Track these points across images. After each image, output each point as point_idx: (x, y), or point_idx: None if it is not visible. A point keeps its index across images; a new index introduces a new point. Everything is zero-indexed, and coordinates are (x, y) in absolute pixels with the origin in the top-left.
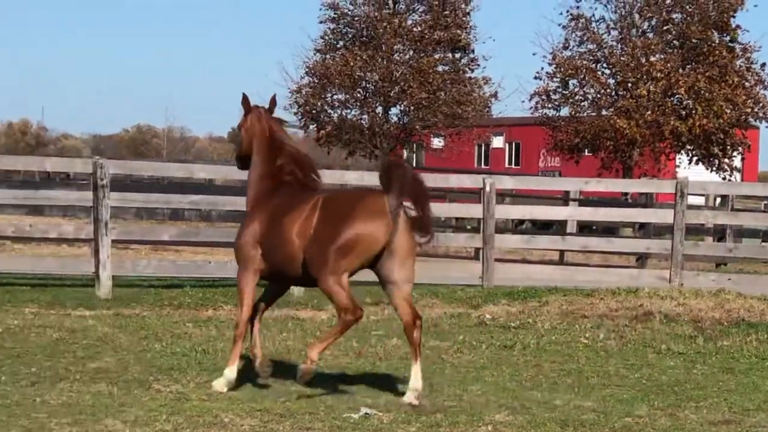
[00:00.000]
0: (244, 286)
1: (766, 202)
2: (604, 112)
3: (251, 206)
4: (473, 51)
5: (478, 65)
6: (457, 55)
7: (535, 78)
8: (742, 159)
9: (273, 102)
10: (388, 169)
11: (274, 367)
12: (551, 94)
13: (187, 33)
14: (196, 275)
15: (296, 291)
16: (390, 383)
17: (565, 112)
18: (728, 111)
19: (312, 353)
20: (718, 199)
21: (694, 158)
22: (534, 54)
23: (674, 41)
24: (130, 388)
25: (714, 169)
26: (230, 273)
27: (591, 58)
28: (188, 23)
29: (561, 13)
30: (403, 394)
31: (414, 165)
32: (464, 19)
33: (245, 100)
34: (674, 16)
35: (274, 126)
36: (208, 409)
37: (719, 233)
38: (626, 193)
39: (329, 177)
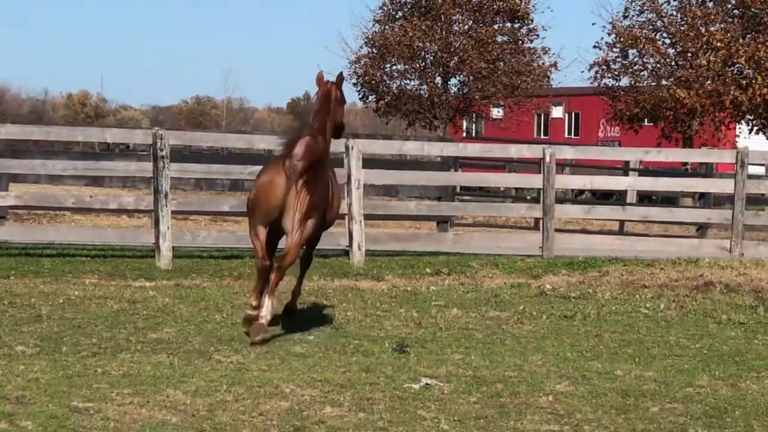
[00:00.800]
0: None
1: None
2: (663, 82)
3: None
4: (532, 21)
5: (537, 35)
6: (516, 25)
7: (595, 47)
8: None
9: (340, 78)
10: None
11: (336, 341)
12: (611, 63)
13: (246, 4)
14: (250, 245)
15: (356, 262)
16: (450, 353)
17: (624, 82)
18: None
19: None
20: None
21: (755, 128)
22: (593, 24)
23: (734, 11)
24: (190, 359)
25: None
26: None
27: (650, 27)
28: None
29: None
30: (465, 364)
31: (473, 135)
32: None
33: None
34: None
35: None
36: (268, 380)
37: None
38: (686, 163)
39: (389, 147)
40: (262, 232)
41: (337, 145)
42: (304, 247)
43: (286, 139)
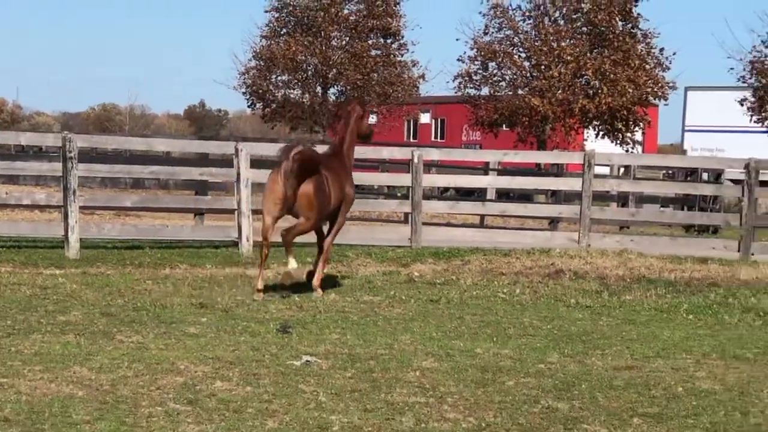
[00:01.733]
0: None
1: (664, 172)
2: (520, 92)
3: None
4: (403, 37)
5: (407, 50)
6: (389, 41)
7: (458, 60)
8: (643, 133)
9: (363, 100)
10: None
11: (226, 323)
12: (473, 75)
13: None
14: (155, 238)
15: (245, 251)
16: (328, 333)
17: (485, 91)
18: (630, 91)
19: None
20: (622, 169)
21: (600, 133)
22: (457, 39)
23: (583, 28)
24: (95, 339)
25: (618, 142)
26: (185, 236)
27: (508, 43)
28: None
29: (482, 3)
30: (341, 343)
31: None
32: (395, 8)
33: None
34: (583, 5)
35: None
36: (165, 358)
37: (623, 199)
38: (540, 164)
39: (274, 149)
40: (270, 221)
41: (227, 148)
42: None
43: (283, 148)
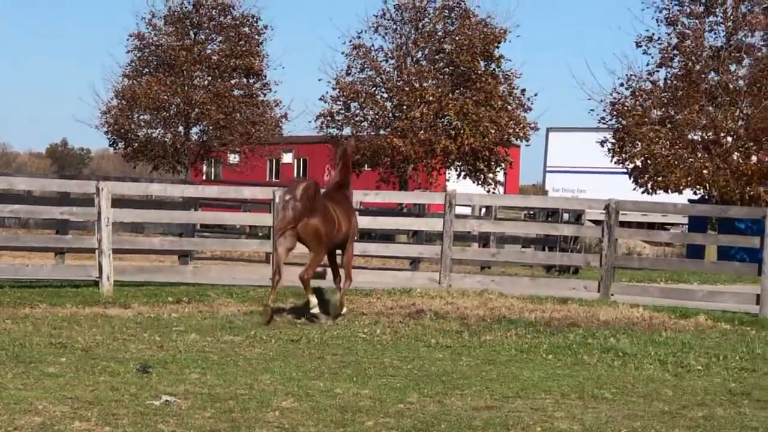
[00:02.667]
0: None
1: (525, 212)
2: (382, 132)
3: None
4: (265, 77)
5: (270, 89)
6: (251, 81)
7: (321, 100)
8: (505, 174)
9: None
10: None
11: (86, 363)
12: (335, 115)
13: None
14: (15, 277)
15: (105, 291)
16: (188, 373)
17: (347, 131)
18: (493, 131)
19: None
20: (483, 210)
21: (462, 173)
22: (320, 80)
23: (445, 69)
24: None
25: (480, 182)
26: (45, 275)
27: (371, 83)
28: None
29: (344, 43)
30: (201, 383)
31: (212, 179)
32: (257, 48)
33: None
34: (445, 46)
35: None
36: (24, 398)
37: (484, 239)
38: (402, 204)
39: (136, 188)
40: (282, 252)
41: (87, 187)
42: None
43: (290, 185)
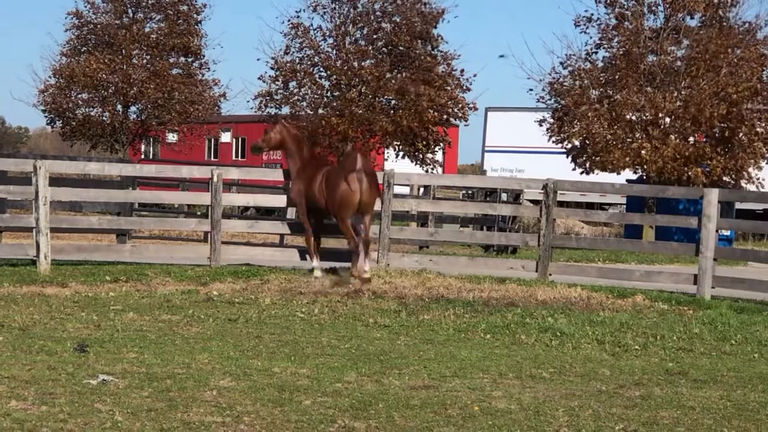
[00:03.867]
0: (304, 220)
1: (464, 192)
2: (320, 111)
3: (299, 175)
4: (204, 56)
5: (209, 68)
6: (190, 59)
7: (259, 79)
8: (444, 154)
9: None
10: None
11: (23, 342)
12: (273, 94)
13: None
14: None
15: (42, 270)
16: (126, 352)
17: (285, 110)
18: (431, 111)
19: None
20: (422, 189)
21: (401, 153)
22: (258, 59)
23: (384, 48)
24: None
25: (418, 162)
26: None
27: (309, 62)
28: None
29: (283, 22)
30: (139, 362)
31: (150, 157)
32: (196, 27)
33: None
34: (384, 26)
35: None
36: None
37: (422, 219)
38: None
39: (74, 167)
40: (349, 224)
41: (25, 165)
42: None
43: (348, 157)
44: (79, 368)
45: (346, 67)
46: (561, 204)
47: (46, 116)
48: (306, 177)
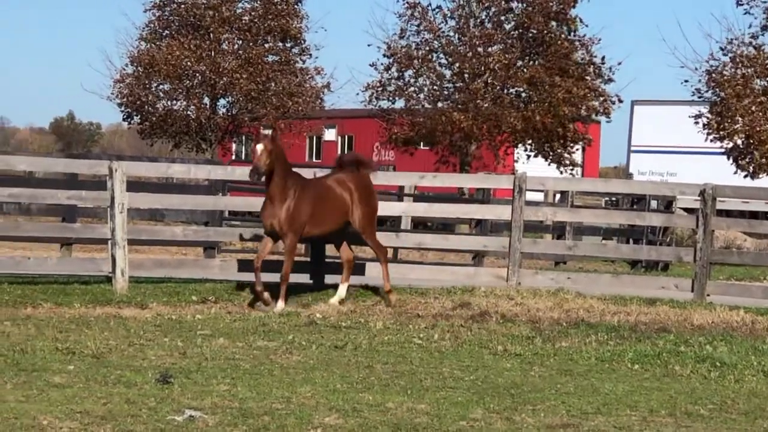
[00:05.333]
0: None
1: (606, 198)
2: (440, 105)
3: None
4: (305, 41)
5: (310, 55)
6: (288, 45)
7: (371, 66)
8: (583, 154)
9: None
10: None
11: (97, 371)
12: (386, 85)
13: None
14: (15, 271)
15: (119, 288)
16: (216, 384)
17: (400, 104)
18: (568, 105)
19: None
20: (558, 196)
21: (533, 153)
22: (369, 45)
23: (513, 32)
24: None
25: (554, 164)
26: (50, 269)
27: (428, 48)
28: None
29: (397, 2)
30: (231, 396)
31: (243, 158)
32: (295, 7)
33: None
34: (514, 6)
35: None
36: (25, 411)
37: (558, 230)
38: (463, 189)
39: (155, 169)
40: None
41: (99, 168)
42: None
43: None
44: (162, 402)
45: (470, 54)
46: (720, 213)
47: (121, 111)
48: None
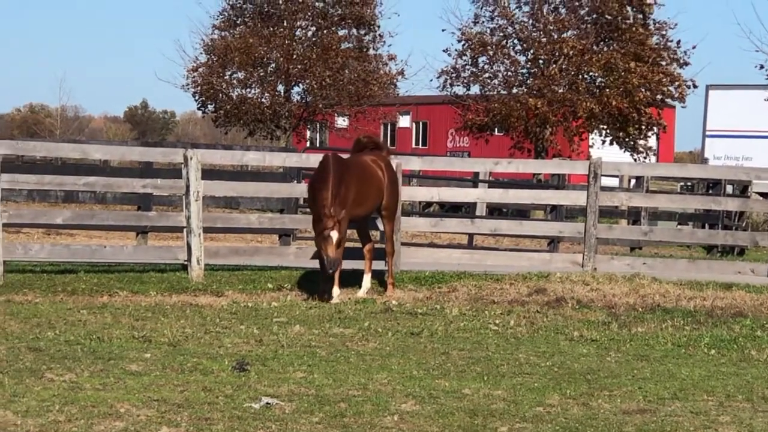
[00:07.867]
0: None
1: (682, 183)
2: (514, 90)
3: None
4: (378, 27)
5: (384, 42)
6: (362, 32)
7: (445, 52)
8: (658, 139)
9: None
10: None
11: (174, 359)
12: (460, 71)
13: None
14: (91, 260)
15: (195, 276)
16: (292, 371)
17: (474, 90)
18: (643, 90)
19: None
20: (633, 181)
21: (608, 138)
22: (443, 30)
23: (587, 17)
24: (21, 378)
25: (629, 149)
26: (126, 258)
27: (502, 34)
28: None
29: None
30: (307, 383)
31: (317, 146)
32: None
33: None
34: None
35: None
36: (102, 399)
37: (634, 216)
38: (538, 175)
39: (229, 157)
40: None
41: (174, 156)
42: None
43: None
44: (239, 390)
45: (544, 40)
46: None
47: (196, 99)
48: None
